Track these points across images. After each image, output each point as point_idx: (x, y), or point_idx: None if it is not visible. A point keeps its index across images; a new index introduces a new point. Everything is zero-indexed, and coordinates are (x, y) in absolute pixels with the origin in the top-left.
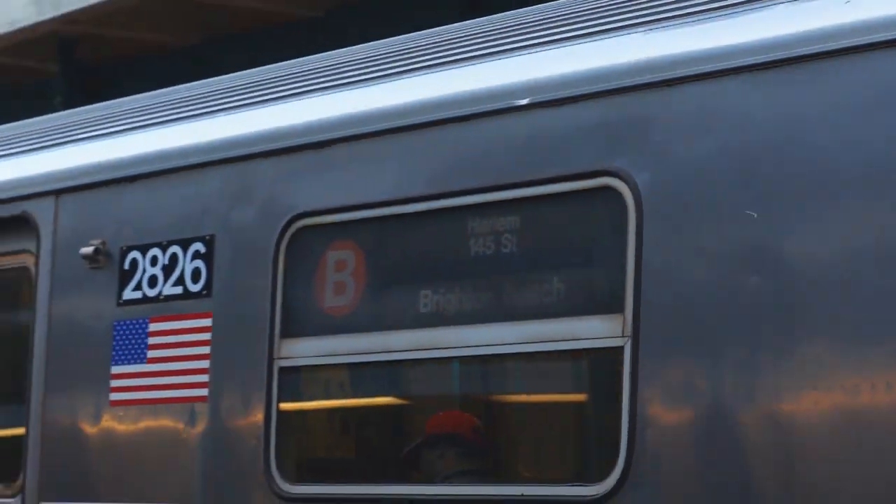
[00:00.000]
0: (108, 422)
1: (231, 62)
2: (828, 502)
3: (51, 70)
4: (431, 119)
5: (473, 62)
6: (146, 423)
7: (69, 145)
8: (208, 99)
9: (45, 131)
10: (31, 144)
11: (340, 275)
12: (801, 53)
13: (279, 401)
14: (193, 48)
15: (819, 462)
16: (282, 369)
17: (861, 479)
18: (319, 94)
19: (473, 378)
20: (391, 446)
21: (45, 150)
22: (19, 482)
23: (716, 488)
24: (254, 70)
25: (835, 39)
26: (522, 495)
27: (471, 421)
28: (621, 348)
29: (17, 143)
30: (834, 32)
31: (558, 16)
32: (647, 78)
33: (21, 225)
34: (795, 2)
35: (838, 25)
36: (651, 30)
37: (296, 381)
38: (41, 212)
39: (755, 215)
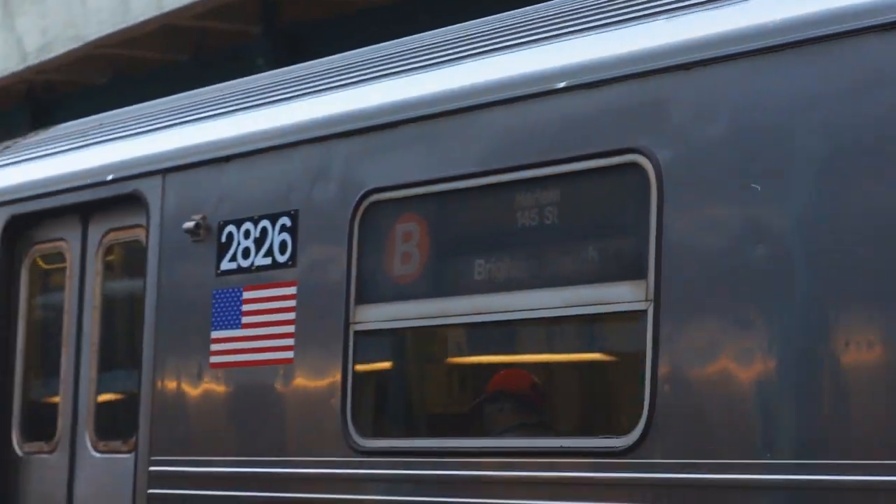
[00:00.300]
0: (209, 383)
1: (435, 20)
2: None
3: (253, 32)
4: (481, 102)
5: (516, 49)
6: (241, 384)
7: (176, 127)
8: (292, 84)
9: (154, 114)
10: (142, 126)
11: (406, 245)
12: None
13: (354, 362)
14: (392, 7)
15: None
16: (357, 333)
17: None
18: (387, 79)
19: (520, 340)
20: (455, 403)
21: (155, 132)
22: (133, 439)
23: (723, 436)
24: (330, 58)
25: (829, 24)
26: (561, 447)
27: (529, 378)
28: (645, 311)
29: (130, 125)
30: (826, 18)
31: (592, 5)
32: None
33: (133, 201)
34: None
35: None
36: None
37: (369, 343)
38: (150, 189)
39: (759, 188)
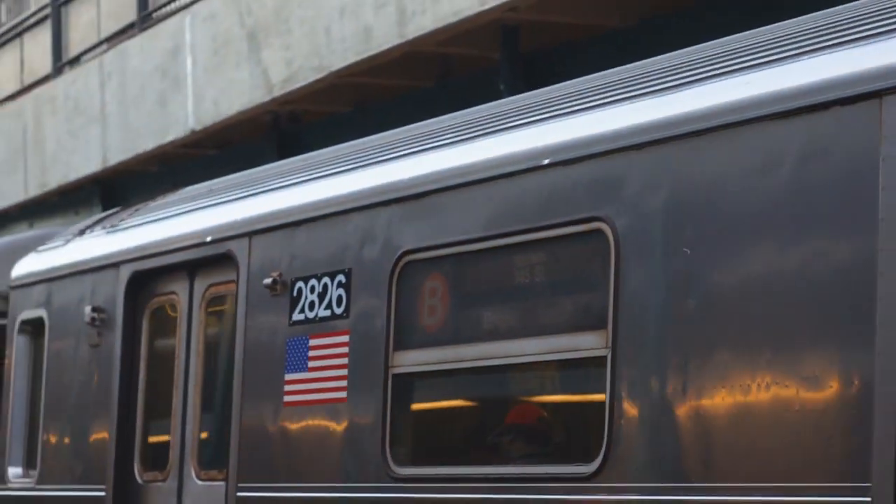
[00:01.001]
0: (283, 420)
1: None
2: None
3: (495, 58)
4: (486, 176)
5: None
6: (308, 421)
7: (260, 195)
8: (351, 157)
9: (240, 183)
10: (234, 194)
11: (433, 299)
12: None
13: (392, 401)
14: (626, 31)
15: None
16: (394, 375)
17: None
18: (419, 155)
19: (513, 380)
20: (474, 435)
21: (246, 199)
22: (225, 469)
23: (668, 466)
24: (358, 141)
25: (740, 112)
26: (547, 473)
27: (537, 413)
28: (605, 357)
29: (221, 193)
30: (738, 105)
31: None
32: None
33: (227, 260)
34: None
35: (740, 100)
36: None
37: (405, 384)
38: (239, 250)
39: (689, 251)
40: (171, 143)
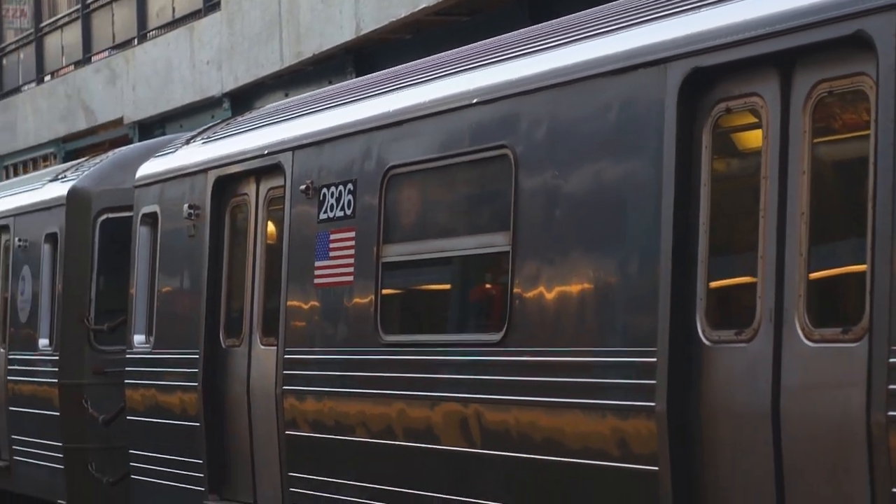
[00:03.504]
0: (313, 298)
1: None
2: None
3: None
4: (437, 111)
5: None
6: (328, 300)
7: (304, 117)
8: (375, 86)
9: (295, 105)
10: (287, 115)
11: (408, 204)
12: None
13: (381, 284)
14: None
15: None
16: (383, 263)
17: None
18: (401, 91)
19: (456, 269)
20: (436, 312)
21: (293, 120)
22: (277, 336)
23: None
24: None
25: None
26: (475, 339)
27: (472, 294)
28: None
29: (280, 113)
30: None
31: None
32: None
33: (278, 169)
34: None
35: (585, 60)
36: None
37: (390, 270)
38: (286, 161)
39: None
40: (423, 10)
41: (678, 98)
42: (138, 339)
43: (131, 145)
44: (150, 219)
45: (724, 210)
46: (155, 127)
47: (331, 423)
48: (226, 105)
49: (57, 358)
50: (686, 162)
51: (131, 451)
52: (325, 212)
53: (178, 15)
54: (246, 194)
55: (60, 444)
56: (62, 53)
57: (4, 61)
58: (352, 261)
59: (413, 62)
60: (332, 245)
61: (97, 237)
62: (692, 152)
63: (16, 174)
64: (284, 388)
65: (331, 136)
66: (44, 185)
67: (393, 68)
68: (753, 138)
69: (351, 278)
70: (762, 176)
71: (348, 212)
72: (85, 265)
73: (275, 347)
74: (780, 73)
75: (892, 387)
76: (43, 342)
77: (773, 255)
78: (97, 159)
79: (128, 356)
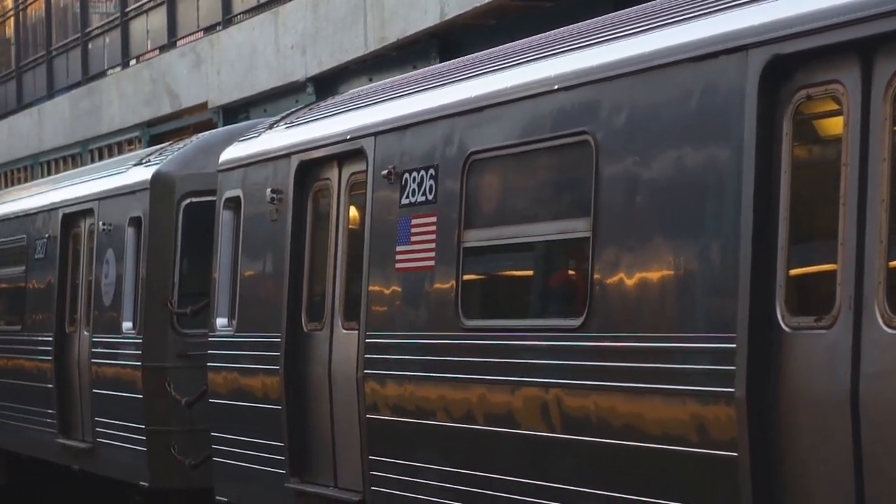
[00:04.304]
0: (394, 283)
1: None
2: None
3: None
4: (517, 97)
5: None
6: (409, 284)
7: (386, 102)
8: (457, 71)
9: (377, 91)
10: (369, 100)
11: (489, 190)
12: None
13: (463, 268)
14: None
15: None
16: (464, 248)
17: None
18: (481, 77)
19: (536, 254)
20: (520, 294)
21: (375, 106)
22: (358, 321)
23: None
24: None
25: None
26: (554, 325)
27: (552, 279)
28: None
29: (362, 98)
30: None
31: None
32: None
33: (360, 154)
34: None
35: (667, 47)
36: None
37: (471, 255)
38: (368, 146)
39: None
40: None
41: (759, 85)
42: (221, 322)
43: (215, 130)
44: (233, 203)
45: (805, 197)
46: (239, 111)
47: (411, 408)
48: (309, 90)
49: (140, 341)
50: (766, 149)
51: (213, 434)
52: (407, 197)
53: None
54: (328, 179)
55: (143, 426)
56: (147, 38)
57: (90, 46)
58: (433, 246)
59: (496, 48)
60: (413, 230)
61: (181, 221)
62: (772, 139)
63: (100, 158)
64: (365, 372)
65: (413, 122)
66: (128, 169)
67: (476, 54)
68: (834, 125)
69: (432, 263)
70: (842, 163)
71: (430, 197)
72: (168, 249)
73: (356, 331)
74: (861, 61)
75: None
76: (127, 325)
77: (853, 242)
78: (181, 144)
79: (210, 339)
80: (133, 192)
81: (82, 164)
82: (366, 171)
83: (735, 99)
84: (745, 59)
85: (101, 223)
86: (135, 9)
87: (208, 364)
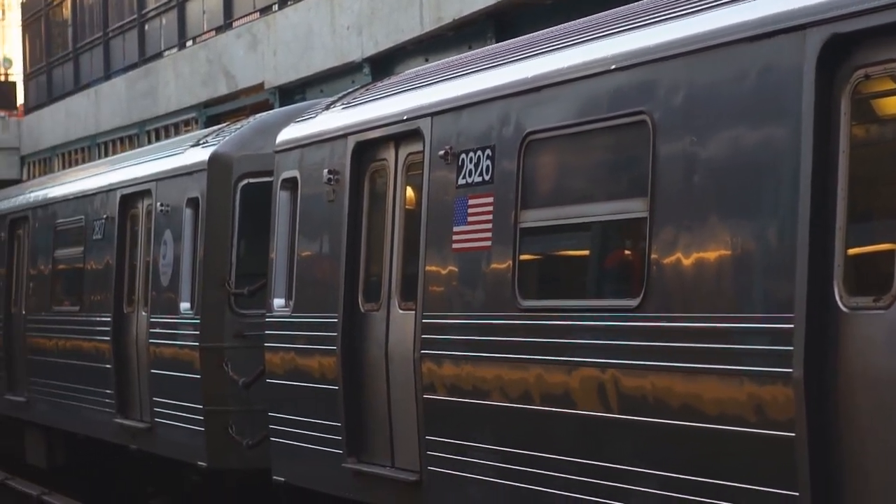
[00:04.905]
0: (451, 263)
1: None
2: None
3: None
4: (574, 77)
5: None
6: (466, 265)
7: (442, 83)
8: (514, 52)
9: (432, 72)
10: (425, 81)
11: (546, 170)
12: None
13: (519, 251)
14: None
15: None
16: (521, 229)
17: None
18: (538, 58)
19: (593, 234)
20: (574, 274)
21: (431, 86)
22: (415, 301)
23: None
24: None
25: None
26: (609, 305)
27: (608, 259)
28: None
29: (418, 79)
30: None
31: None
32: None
33: (417, 135)
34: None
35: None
36: None
37: (528, 236)
38: (425, 127)
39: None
40: None
41: (816, 65)
42: (278, 302)
43: (271, 111)
44: (290, 184)
45: (863, 177)
46: (295, 92)
47: (468, 388)
48: (366, 70)
49: (198, 321)
50: (824, 128)
51: (271, 414)
52: (464, 177)
53: None
54: (385, 159)
55: (201, 406)
56: (203, 19)
57: (146, 27)
58: (490, 226)
59: (552, 28)
60: (470, 210)
61: (238, 202)
62: (831, 119)
63: (157, 139)
64: (423, 352)
65: (470, 102)
66: (185, 150)
67: (532, 34)
68: (893, 105)
69: (489, 243)
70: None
71: (486, 177)
72: (225, 230)
73: (413, 312)
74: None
75: None
76: (184, 306)
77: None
78: (238, 125)
79: (267, 320)
80: (190, 173)
81: (139, 145)
82: (422, 152)
83: (793, 78)
84: (802, 39)
85: (158, 204)
86: None
87: (265, 344)
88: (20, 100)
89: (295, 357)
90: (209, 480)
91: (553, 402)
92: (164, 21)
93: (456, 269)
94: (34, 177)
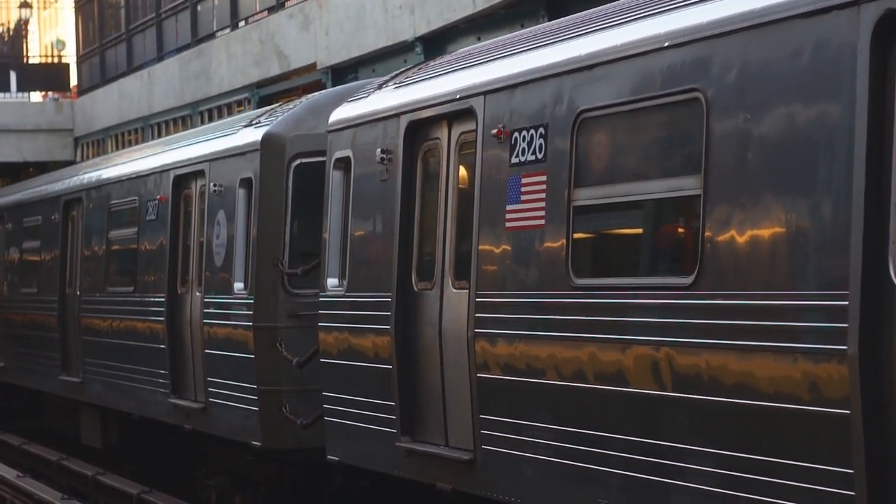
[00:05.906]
0: (504, 242)
1: None
2: None
3: None
4: (627, 55)
5: None
6: (519, 243)
7: (494, 62)
8: (566, 30)
9: (485, 51)
10: (478, 59)
11: (599, 148)
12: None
13: (573, 229)
14: None
15: None
16: (574, 207)
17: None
18: (590, 36)
19: (646, 212)
20: (627, 253)
21: (484, 65)
22: (469, 280)
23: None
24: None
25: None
26: (664, 283)
27: (662, 237)
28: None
29: (470, 58)
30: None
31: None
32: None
33: (470, 114)
34: None
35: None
36: None
37: (582, 214)
38: (477, 106)
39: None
40: None
41: (871, 40)
42: (331, 282)
43: (324, 91)
44: (343, 163)
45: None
46: (348, 72)
47: (522, 366)
48: (418, 49)
49: (252, 301)
50: (879, 104)
51: (324, 394)
52: (517, 156)
53: None
54: (438, 139)
55: (255, 386)
56: None
57: (199, 7)
58: (543, 205)
59: (604, 6)
60: (523, 189)
61: (291, 182)
62: (885, 95)
63: (210, 119)
64: (476, 331)
65: (522, 81)
66: (238, 130)
67: (584, 12)
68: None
69: (542, 222)
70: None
71: (539, 156)
72: (279, 210)
73: (466, 291)
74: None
75: None
76: (238, 286)
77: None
78: (291, 105)
79: (321, 299)
80: (243, 154)
81: (192, 126)
82: (475, 131)
83: (847, 54)
84: (857, 15)
85: (212, 184)
86: None
87: (319, 324)
88: (73, 81)
89: (348, 336)
90: (263, 460)
91: (607, 381)
92: (216, 2)
93: (509, 248)
94: (88, 158)
